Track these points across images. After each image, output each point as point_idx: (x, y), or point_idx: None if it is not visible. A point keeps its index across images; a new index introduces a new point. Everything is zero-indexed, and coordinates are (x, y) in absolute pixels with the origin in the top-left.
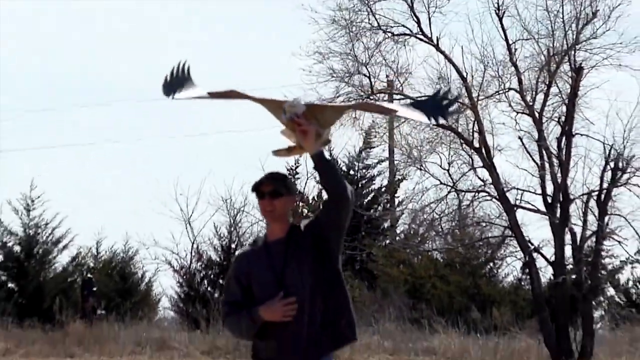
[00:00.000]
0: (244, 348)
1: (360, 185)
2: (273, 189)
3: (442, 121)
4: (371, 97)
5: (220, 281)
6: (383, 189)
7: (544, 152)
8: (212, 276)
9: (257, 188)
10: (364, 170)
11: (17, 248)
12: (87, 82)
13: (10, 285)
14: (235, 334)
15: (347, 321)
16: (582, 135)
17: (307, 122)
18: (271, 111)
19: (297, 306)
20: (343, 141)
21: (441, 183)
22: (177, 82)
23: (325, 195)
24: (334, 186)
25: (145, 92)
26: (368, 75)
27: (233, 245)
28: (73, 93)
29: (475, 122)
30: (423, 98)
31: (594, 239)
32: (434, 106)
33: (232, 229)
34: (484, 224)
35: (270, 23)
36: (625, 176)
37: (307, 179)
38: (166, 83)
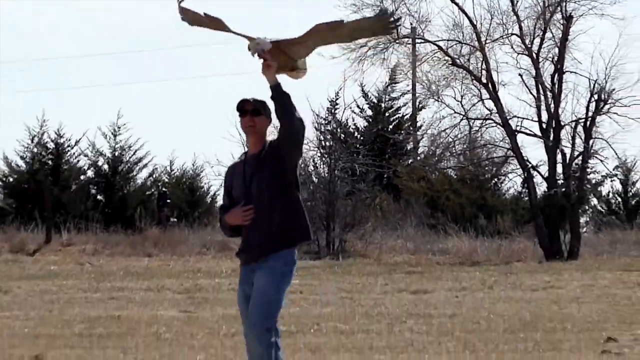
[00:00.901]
0: None
1: (387, 114)
2: (254, 107)
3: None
4: (397, 42)
5: None
6: (406, 117)
7: (540, 86)
8: None
9: (242, 107)
10: (390, 102)
11: (105, 167)
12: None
13: (99, 197)
14: (223, 233)
15: (299, 225)
16: (571, 72)
17: (270, 58)
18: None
19: (256, 212)
20: (373, 77)
21: (455, 112)
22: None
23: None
24: (283, 115)
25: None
26: (396, 25)
27: None
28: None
29: (483, 62)
30: (372, 17)
31: (580, 158)
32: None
33: None
34: (490, 146)
35: None
36: (607, 106)
37: (344, 109)
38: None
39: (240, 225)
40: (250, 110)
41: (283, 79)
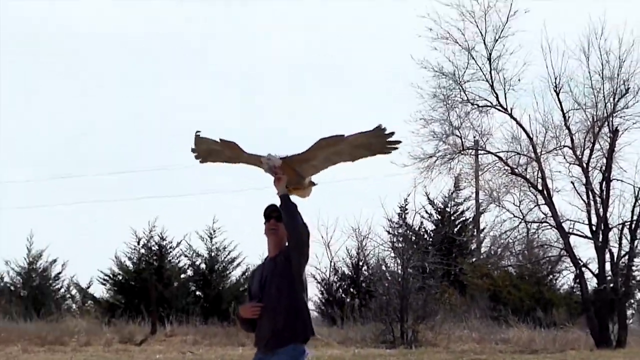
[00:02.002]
0: (369, 339)
1: (452, 218)
2: (278, 214)
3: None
4: (462, 153)
5: (352, 289)
6: (470, 220)
7: (589, 193)
8: (345, 286)
9: (269, 212)
10: (455, 207)
11: (203, 266)
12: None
13: (197, 293)
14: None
15: (302, 323)
16: (618, 180)
17: (281, 172)
18: (256, 164)
19: (265, 309)
20: (440, 185)
21: (514, 216)
22: (201, 148)
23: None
24: (289, 221)
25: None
26: (459, 136)
27: (360, 263)
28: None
29: (539, 171)
30: (368, 130)
31: (627, 257)
32: (377, 142)
33: (359, 250)
34: (545, 246)
35: (388, 97)
36: None
37: (415, 214)
38: (194, 151)
39: (253, 321)
40: (275, 216)
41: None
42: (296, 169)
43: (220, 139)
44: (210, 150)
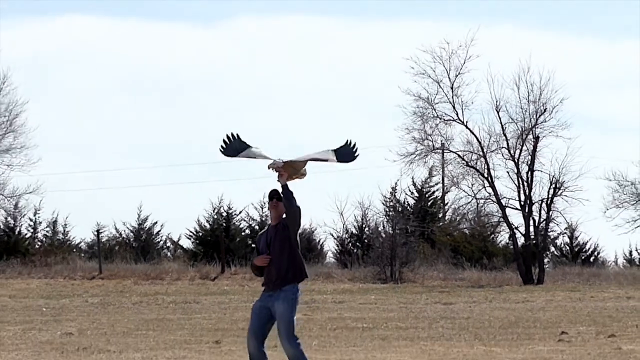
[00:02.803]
0: (369, 277)
1: (427, 196)
2: (278, 196)
3: (348, 162)
4: (433, 152)
5: (357, 244)
6: (439, 197)
7: (519, 179)
8: (352, 241)
9: (271, 195)
10: (428, 188)
11: (256, 227)
12: None
13: (252, 245)
14: (252, 272)
15: (299, 268)
16: (538, 170)
17: (283, 171)
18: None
19: (272, 259)
20: (419, 173)
21: (468, 195)
22: (233, 147)
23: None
24: (289, 206)
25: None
26: (431, 140)
27: (363, 225)
28: None
29: (485, 164)
30: (340, 147)
31: (544, 223)
32: (345, 152)
33: (363, 217)
34: (489, 215)
35: (377, 112)
36: (560, 191)
37: (401, 192)
38: (225, 147)
39: (262, 268)
40: (276, 197)
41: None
42: (293, 166)
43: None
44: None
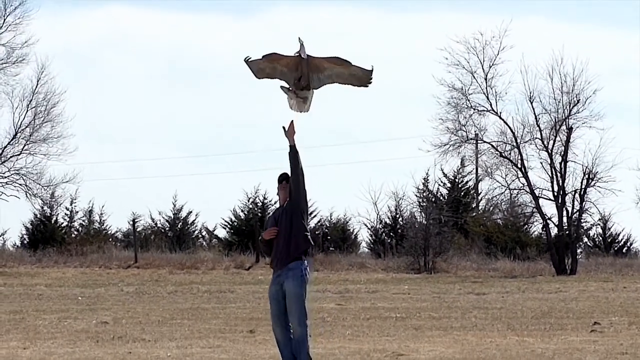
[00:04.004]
0: (402, 267)
1: (460, 186)
2: (288, 178)
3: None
4: (467, 142)
5: (391, 234)
6: (472, 187)
7: (553, 170)
8: (386, 231)
9: (281, 179)
10: (461, 178)
11: None
12: None
13: None
14: (261, 249)
15: (304, 240)
16: (571, 161)
17: (293, 129)
18: (287, 77)
19: (280, 236)
20: (452, 164)
21: (501, 185)
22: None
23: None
24: (292, 164)
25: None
26: (465, 130)
27: (397, 216)
28: None
29: (519, 154)
30: (363, 67)
31: (577, 214)
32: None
33: (397, 207)
34: (523, 205)
35: (411, 102)
36: (593, 182)
37: (435, 182)
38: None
39: (270, 247)
40: (284, 179)
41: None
42: (310, 74)
43: (263, 55)
44: (259, 69)
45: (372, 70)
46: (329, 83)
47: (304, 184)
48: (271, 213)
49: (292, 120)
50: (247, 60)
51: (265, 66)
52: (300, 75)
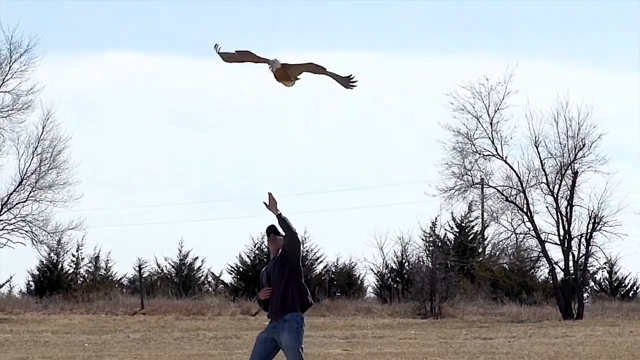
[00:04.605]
0: (409, 312)
1: (466, 230)
2: (276, 231)
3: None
4: (472, 187)
5: (397, 279)
6: (478, 232)
7: (558, 214)
8: (392, 276)
9: (269, 231)
10: (468, 223)
11: None
12: None
13: None
14: (258, 305)
15: (300, 296)
16: (577, 205)
17: (274, 202)
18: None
19: (274, 291)
20: (458, 208)
21: (507, 229)
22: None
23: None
24: (285, 230)
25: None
26: (471, 175)
27: (403, 260)
28: None
29: (524, 199)
30: (340, 74)
31: (583, 258)
32: (344, 80)
33: (403, 251)
34: (529, 250)
35: (417, 147)
36: (599, 226)
37: (441, 228)
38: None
39: (267, 301)
40: (273, 232)
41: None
42: (287, 71)
43: (236, 51)
44: (229, 57)
45: (349, 76)
46: (312, 72)
47: (299, 243)
48: (264, 268)
49: (270, 193)
50: (217, 50)
51: (236, 57)
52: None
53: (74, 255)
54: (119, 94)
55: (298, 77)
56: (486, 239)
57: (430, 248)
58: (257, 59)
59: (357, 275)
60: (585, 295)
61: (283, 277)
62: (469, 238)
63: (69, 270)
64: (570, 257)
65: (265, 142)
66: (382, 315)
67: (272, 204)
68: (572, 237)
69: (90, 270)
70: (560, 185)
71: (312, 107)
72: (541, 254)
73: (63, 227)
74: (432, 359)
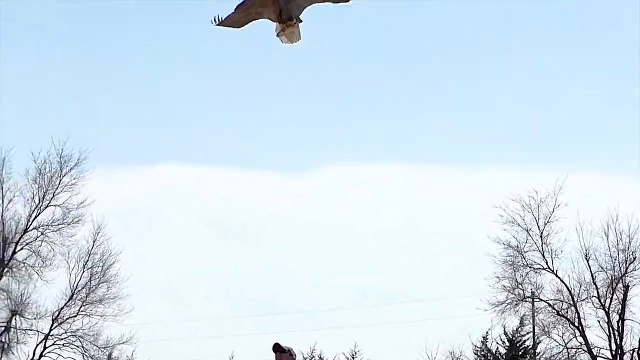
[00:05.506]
0: None
1: (518, 345)
2: (282, 348)
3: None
4: (524, 301)
5: None
6: (530, 346)
7: (610, 328)
8: None
9: (275, 349)
10: (520, 337)
11: None
12: None
13: None
14: None
15: None
16: (630, 320)
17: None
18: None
19: None
20: (511, 323)
21: (559, 344)
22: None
23: None
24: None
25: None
26: (522, 289)
27: None
28: None
29: (576, 313)
30: None
31: None
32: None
33: None
34: None
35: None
36: None
37: (493, 342)
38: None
39: None
40: (279, 350)
41: None
42: (286, 5)
43: (235, 9)
44: (235, 22)
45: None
46: (308, 5)
47: None
48: None
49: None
50: (219, 24)
51: (240, 16)
52: (280, 9)
53: None
54: (168, 206)
55: (300, 34)
56: (539, 353)
57: None
58: (257, 10)
59: None
60: None
61: None
62: (521, 352)
63: None
64: None
65: (314, 257)
66: None
67: None
68: (625, 352)
69: None
70: (612, 299)
71: (362, 219)
72: None
73: (114, 341)
74: None
